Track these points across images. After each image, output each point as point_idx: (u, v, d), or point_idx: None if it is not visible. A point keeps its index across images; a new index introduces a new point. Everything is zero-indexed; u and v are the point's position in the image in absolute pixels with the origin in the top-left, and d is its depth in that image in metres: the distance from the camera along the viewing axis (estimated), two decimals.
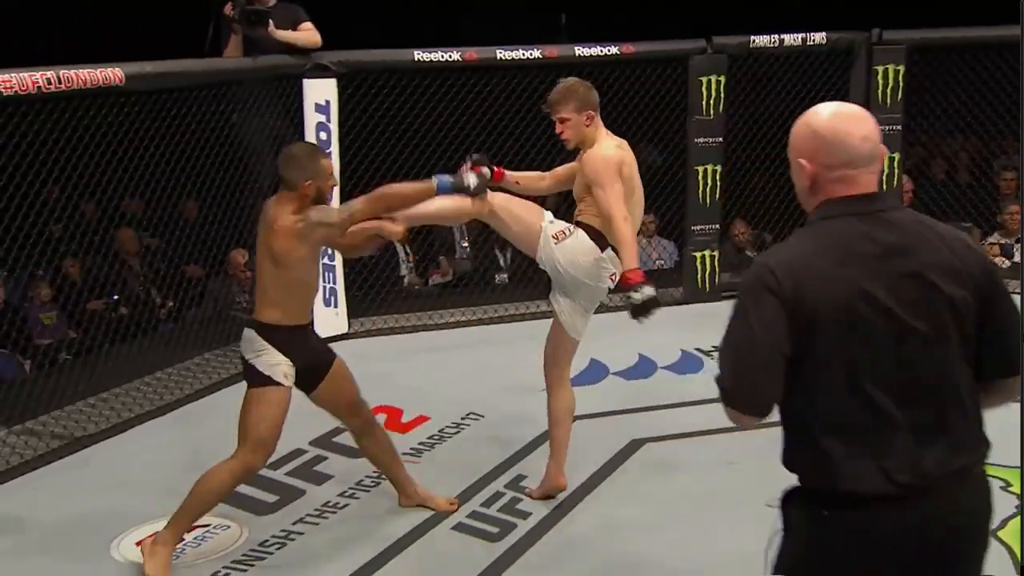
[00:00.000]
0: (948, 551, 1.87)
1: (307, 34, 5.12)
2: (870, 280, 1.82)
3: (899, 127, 6.14)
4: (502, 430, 4.37)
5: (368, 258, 6.42)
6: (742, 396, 1.88)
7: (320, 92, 5.15)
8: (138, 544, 3.45)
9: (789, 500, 1.94)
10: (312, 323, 3.41)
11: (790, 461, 1.93)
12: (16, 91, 3.70)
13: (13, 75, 3.70)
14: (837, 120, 1.89)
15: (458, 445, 4.30)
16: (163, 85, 4.42)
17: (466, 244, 7.43)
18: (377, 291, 5.97)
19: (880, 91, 6.07)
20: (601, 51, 5.69)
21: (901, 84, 6.07)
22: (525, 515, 3.67)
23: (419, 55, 5.37)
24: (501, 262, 7.11)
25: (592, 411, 4.54)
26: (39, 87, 3.78)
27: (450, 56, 5.41)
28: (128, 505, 3.73)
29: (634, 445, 4.20)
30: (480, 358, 5.37)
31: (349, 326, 5.57)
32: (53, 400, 4.49)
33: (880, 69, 6.08)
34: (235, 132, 5.10)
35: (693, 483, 3.87)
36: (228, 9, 4.97)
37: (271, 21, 4.94)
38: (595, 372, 5.08)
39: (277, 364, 3.24)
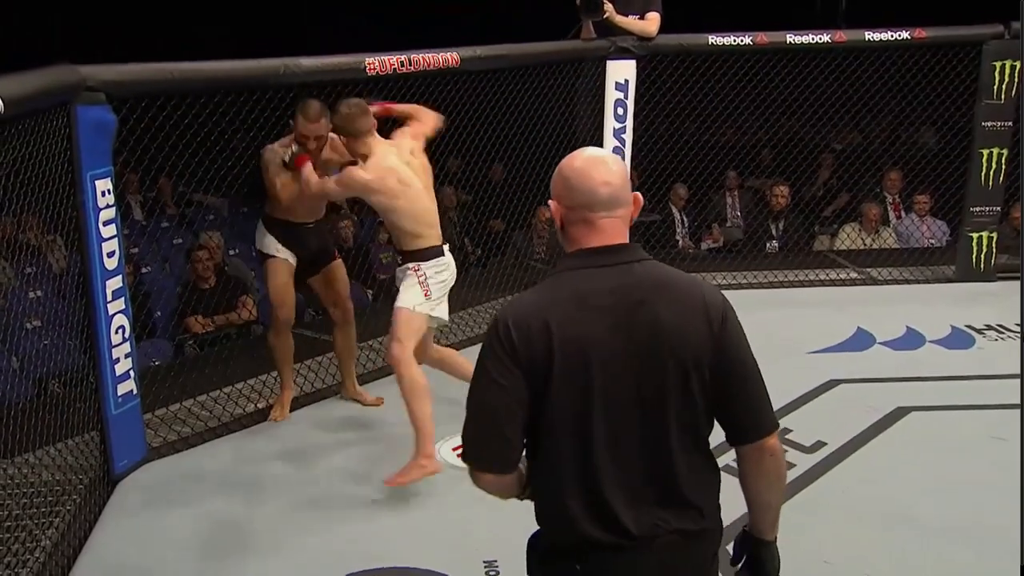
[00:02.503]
0: None
1: (643, 24, 5.13)
2: (600, 335, 1.67)
3: (1010, 122, 5.38)
4: (768, 386, 4.26)
5: (650, 223, 6.49)
6: (476, 453, 1.75)
7: (620, 72, 5.18)
8: (455, 449, 3.73)
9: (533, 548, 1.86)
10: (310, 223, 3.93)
11: (537, 516, 1.83)
12: (378, 71, 4.04)
13: (376, 58, 4.03)
14: (583, 163, 1.75)
15: None
16: (489, 66, 4.62)
17: (738, 213, 7.27)
18: (656, 253, 5.98)
19: (996, 87, 5.31)
20: (892, 36, 5.31)
21: (1015, 79, 5.25)
22: (789, 466, 3.55)
23: (713, 39, 5.26)
24: (773, 231, 6.89)
25: (857, 376, 4.36)
26: (395, 68, 4.10)
27: (742, 40, 5.26)
28: (451, 415, 4.01)
29: (899, 412, 3.97)
30: (746, 319, 5.19)
31: None
32: (383, 327, 4.87)
33: (998, 64, 5.31)
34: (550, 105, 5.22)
35: (958, 453, 3.61)
36: None
37: (609, 8, 5.00)
38: (861, 340, 4.84)
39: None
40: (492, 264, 6.24)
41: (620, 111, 5.21)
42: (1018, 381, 4.24)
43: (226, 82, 3.66)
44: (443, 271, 3.58)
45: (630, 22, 5.09)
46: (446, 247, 3.63)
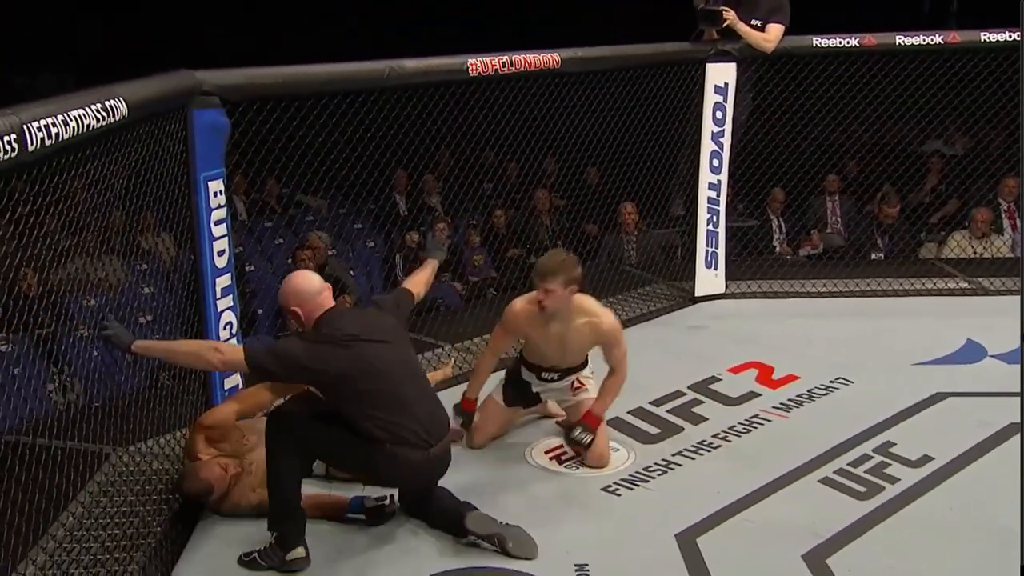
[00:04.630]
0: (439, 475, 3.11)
1: (760, 35, 5.06)
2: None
3: None
4: (870, 397, 4.14)
5: (747, 228, 6.36)
6: None
7: (720, 75, 5.10)
8: (547, 453, 3.73)
9: None
10: None
11: None
12: (480, 72, 4.07)
13: (478, 59, 4.07)
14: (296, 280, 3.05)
15: (827, 405, 4.14)
16: (590, 68, 4.61)
17: (838, 219, 7.07)
18: (752, 259, 5.87)
19: None
20: (1010, 36, 5.07)
21: None
22: (893, 480, 3.47)
23: (818, 41, 5.12)
24: (879, 243, 6.67)
25: (966, 390, 4.18)
26: (496, 69, 4.13)
27: (848, 42, 5.10)
28: (538, 420, 4.02)
29: (1012, 429, 3.79)
30: (848, 328, 5.10)
31: (726, 287, 5.53)
32: (481, 326, 4.91)
33: None
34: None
35: None
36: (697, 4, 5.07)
37: (731, 16, 4.94)
38: (971, 352, 4.64)
39: None
40: (586, 269, 6.22)
41: (719, 115, 5.13)
42: None
43: (334, 85, 3.74)
44: None
45: (750, 32, 5.02)
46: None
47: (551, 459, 3.69)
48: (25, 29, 10.31)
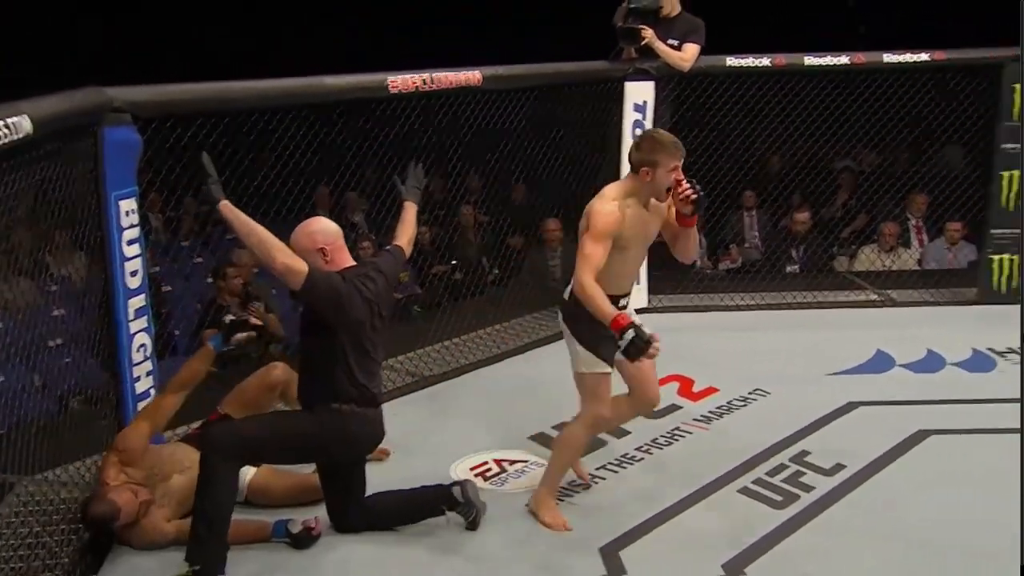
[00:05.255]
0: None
1: (677, 54, 5.16)
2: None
3: None
4: (787, 408, 4.24)
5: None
6: None
7: (639, 93, 5.20)
8: (472, 469, 3.72)
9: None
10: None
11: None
12: (400, 90, 4.06)
13: (399, 77, 4.06)
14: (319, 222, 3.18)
15: (745, 417, 4.23)
16: (511, 85, 4.64)
17: (756, 234, 7.25)
18: (673, 273, 5.98)
19: (1016, 108, 5.28)
20: (911, 58, 5.30)
21: None
22: (808, 488, 3.55)
23: (732, 61, 5.27)
24: (794, 255, 6.86)
25: (876, 399, 4.31)
26: (417, 87, 4.12)
27: (761, 62, 5.26)
28: (464, 436, 4.01)
29: (920, 435, 3.92)
30: (765, 340, 5.23)
31: (649, 301, 5.61)
32: (405, 344, 4.89)
33: (1018, 87, 5.27)
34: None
35: (978, 477, 3.56)
36: (618, 21, 5.15)
37: (649, 34, 5.04)
38: (881, 362, 4.80)
39: None
40: (511, 285, 6.25)
41: (639, 132, 5.21)
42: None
43: (250, 102, 3.69)
44: None
45: (668, 51, 5.13)
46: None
47: (476, 475, 3.68)
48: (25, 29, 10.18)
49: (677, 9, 5.18)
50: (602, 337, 3.11)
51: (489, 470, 3.72)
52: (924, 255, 6.91)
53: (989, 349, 4.87)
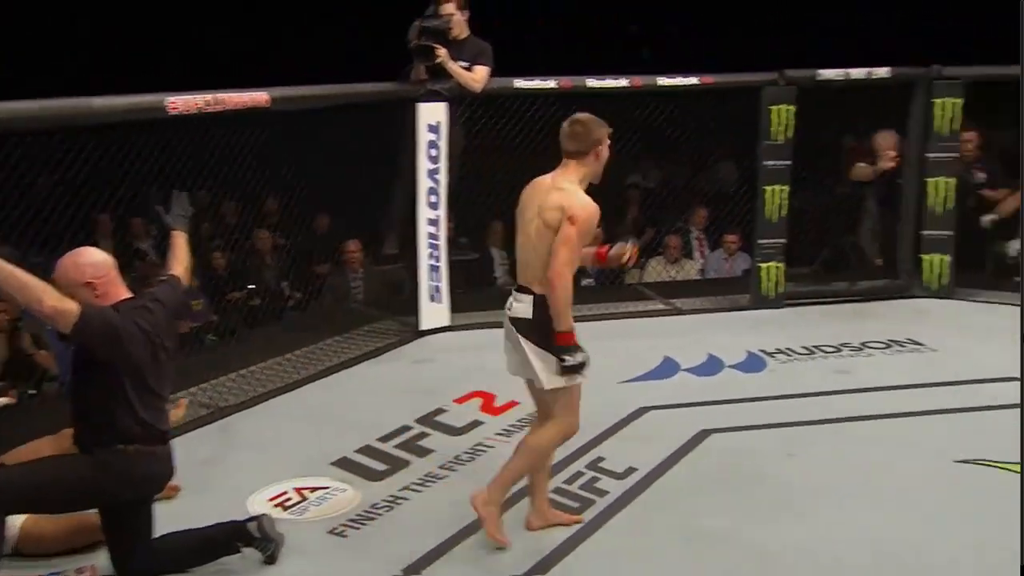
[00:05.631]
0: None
1: (469, 75, 5.24)
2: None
3: (956, 154, 6.02)
4: (586, 416, 4.39)
5: (469, 261, 6.59)
6: None
7: (432, 114, 5.27)
8: (271, 500, 3.61)
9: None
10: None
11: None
12: (181, 111, 3.90)
13: (179, 97, 3.90)
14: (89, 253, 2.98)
15: None
16: (300, 107, 4.58)
17: None
18: (475, 291, 6.10)
19: (939, 121, 5.96)
20: (683, 82, 5.70)
21: (958, 115, 5.94)
22: (603, 493, 3.71)
23: (519, 83, 5.45)
24: (588, 270, 7.16)
25: (664, 403, 4.57)
26: (199, 108, 3.98)
27: (547, 84, 5.48)
28: (263, 467, 3.89)
29: (702, 435, 4.20)
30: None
31: (451, 320, 5.68)
32: (198, 374, 4.69)
33: (939, 102, 5.96)
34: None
35: (755, 470, 3.85)
36: (411, 40, 5.16)
37: (443, 53, 5.08)
38: (668, 368, 5.09)
39: None
40: (312, 308, 6.14)
41: (433, 152, 5.29)
42: (804, 400, 4.61)
43: (13, 124, 3.42)
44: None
45: (460, 71, 5.22)
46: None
47: (275, 505, 3.58)
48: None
49: (466, 32, 5.30)
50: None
51: (289, 499, 3.63)
52: (705, 265, 7.42)
53: (761, 351, 5.28)
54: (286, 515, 3.52)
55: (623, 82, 5.62)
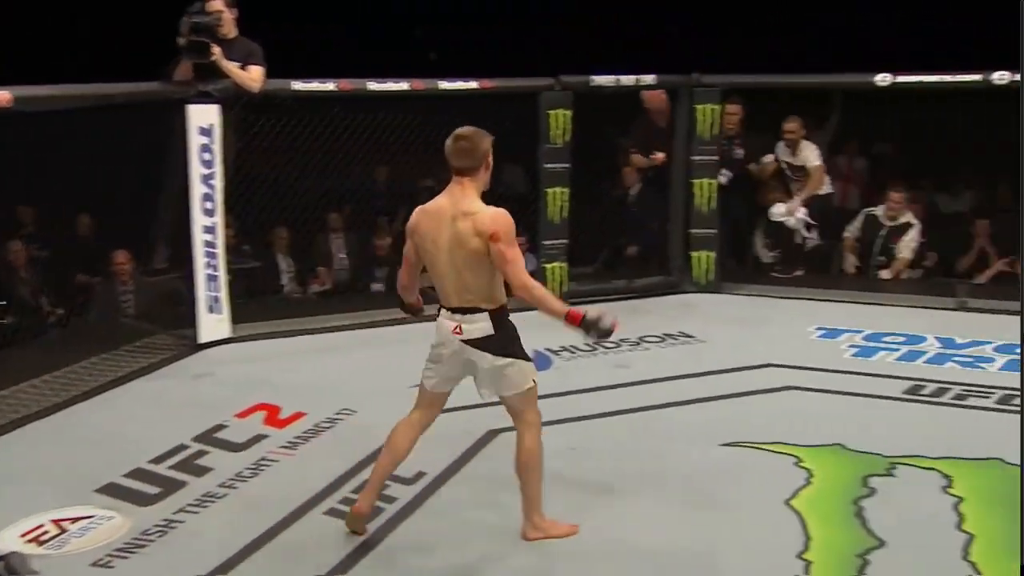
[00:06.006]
0: None
1: (247, 75, 5.03)
2: None
3: (716, 157, 6.47)
4: (372, 424, 4.34)
5: (250, 268, 6.36)
6: None
7: (204, 117, 5.02)
8: (23, 535, 3.29)
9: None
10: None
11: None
12: None
13: None
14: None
15: (332, 438, 4.26)
16: (49, 107, 4.22)
17: (343, 255, 7.38)
18: (259, 300, 5.88)
19: (701, 126, 6.39)
20: (463, 85, 5.76)
21: (716, 120, 6.39)
22: (392, 500, 3.66)
23: (296, 85, 5.31)
24: (377, 273, 7.10)
25: (454, 406, 4.57)
26: None
27: (326, 86, 5.37)
28: (16, 500, 3.55)
29: (491, 435, 4.24)
30: (355, 359, 5.34)
31: (232, 331, 5.44)
32: None
33: (700, 107, 6.39)
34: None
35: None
36: (181, 36, 4.85)
37: (218, 51, 4.82)
38: None
39: None
40: (78, 323, 5.71)
41: (207, 157, 5.04)
42: (587, 395, 4.77)
43: None
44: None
45: (237, 71, 5.00)
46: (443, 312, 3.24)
47: (29, 541, 3.27)
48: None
49: (235, 32, 5.10)
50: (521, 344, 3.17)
51: (45, 533, 3.32)
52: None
53: (547, 349, 5.42)
54: (41, 550, 3.22)
55: (404, 85, 5.61)
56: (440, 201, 3.16)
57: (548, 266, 6.24)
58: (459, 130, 3.16)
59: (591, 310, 3.14)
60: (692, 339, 5.56)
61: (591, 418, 4.45)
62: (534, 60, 7.29)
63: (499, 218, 3.05)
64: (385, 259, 6.93)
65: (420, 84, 5.69)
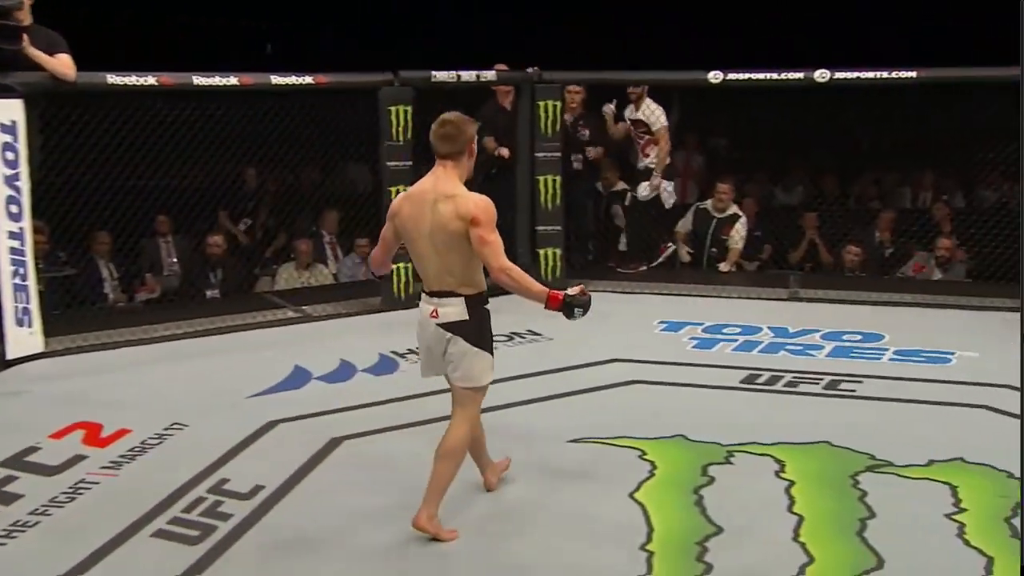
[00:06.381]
0: None
1: (59, 63, 4.77)
2: None
3: (558, 153, 6.60)
4: (205, 438, 4.19)
5: (65, 277, 5.99)
6: None
7: (6, 112, 4.68)
8: None
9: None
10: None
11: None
12: None
13: None
14: None
15: (161, 455, 4.06)
16: None
17: (174, 260, 7.08)
18: (80, 310, 5.56)
19: (542, 123, 6.51)
20: (296, 80, 5.64)
21: (559, 117, 6.53)
22: (226, 517, 3.53)
23: (112, 78, 5.04)
24: (212, 279, 6.85)
25: (295, 414, 4.48)
26: None
27: (145, 80, 5.12)
28: None
29: (333, 443, 4.17)
30: (186, 370, 5.14)
31: (46, 345, 5.11)
32: None
33: (542, 104, 6.51)
34: None
35: (386, 473, 3.90)
36: None
37: (26, 38, 4.50)
38: (298, 378, 5.01)
39: None
40: None
41: (10, 156, 4.72)
42: (433, 398, 4.75)
43: None
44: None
45: (47, 59, 4.69)
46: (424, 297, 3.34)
47: None
48: None
49: (30, 19, 4.77)
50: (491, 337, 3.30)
51: None
52: (340, 269, 7.43)
53: (393, 352, 5.39)
54: None
55: (232, 80, 5.43)
56: (423, 185, 3.27)
57: (393, 267, 6.16)
58: (444, 115, 3.25)
59: (570, 289, 3.24)
60: (539, 337, 5.65)
61: (437, 421, 4.43)
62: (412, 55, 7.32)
63: (480, 203, 3.16)
64: (219, 261, 6.69)
65: (249, 79, 5.52)
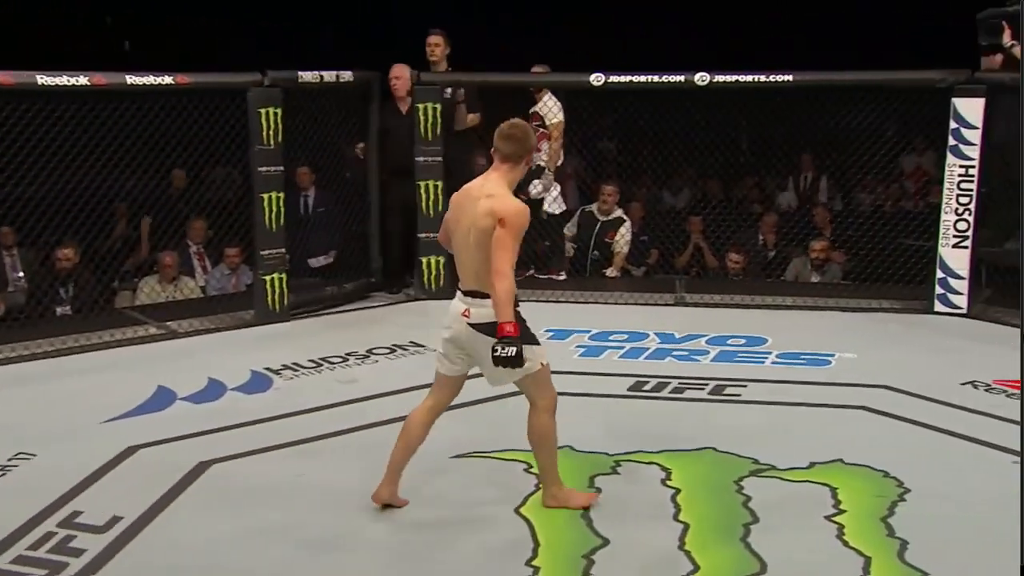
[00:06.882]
0: None
1: None
2: None
3: (439, 158, 6.58)
4: (55, 468, 3.96)
5: None
6: None
7: None
8: None
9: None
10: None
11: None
12: None
13: None
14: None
15: (5, 488, 3.82)
16: None
17: (20, 275, 6.70)
18: None
19: (422, 126, 6.49)
20: (154, 80, 5.43)
21: (439, 120, 6.51)
22: (79, 552, 3.34)
23: (42, 79, 4.79)
24: (62, 294, 6.51)
25: (157, 439, 4.30)
26: None
27: (78, 80, 4.90)
28: None
29: (201, 467, 4.01)
30: (33, 395, 4.87)
31: None
32: None
33: (421, 106, 6.50)
34: None
35: (258, 496, 3.77)
36: None
37: None
38: (162, 399, 4.80)
39: None
40: None
41: None
42: (311, 415, 4.66)
43: None
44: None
45: None
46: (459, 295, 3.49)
47: None
48: None
49: None
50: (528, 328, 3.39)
51: None
52: (208, 282, 7.19)
53: (266, 368, 5.24)
54: None
55: (82, 80, 5.18)
56: (476, 180, 3.49)
57: (267, 278, 6.03)
58: (514, 119, 3.48)
59: (521, 338, 3.29)
60: (423, 348, 5.59)
61: (317, 439, 4.34)
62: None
63: (514, 207, 3.32)
64: (71, 275, 6.37)
65: (102, 79, 5.28)
